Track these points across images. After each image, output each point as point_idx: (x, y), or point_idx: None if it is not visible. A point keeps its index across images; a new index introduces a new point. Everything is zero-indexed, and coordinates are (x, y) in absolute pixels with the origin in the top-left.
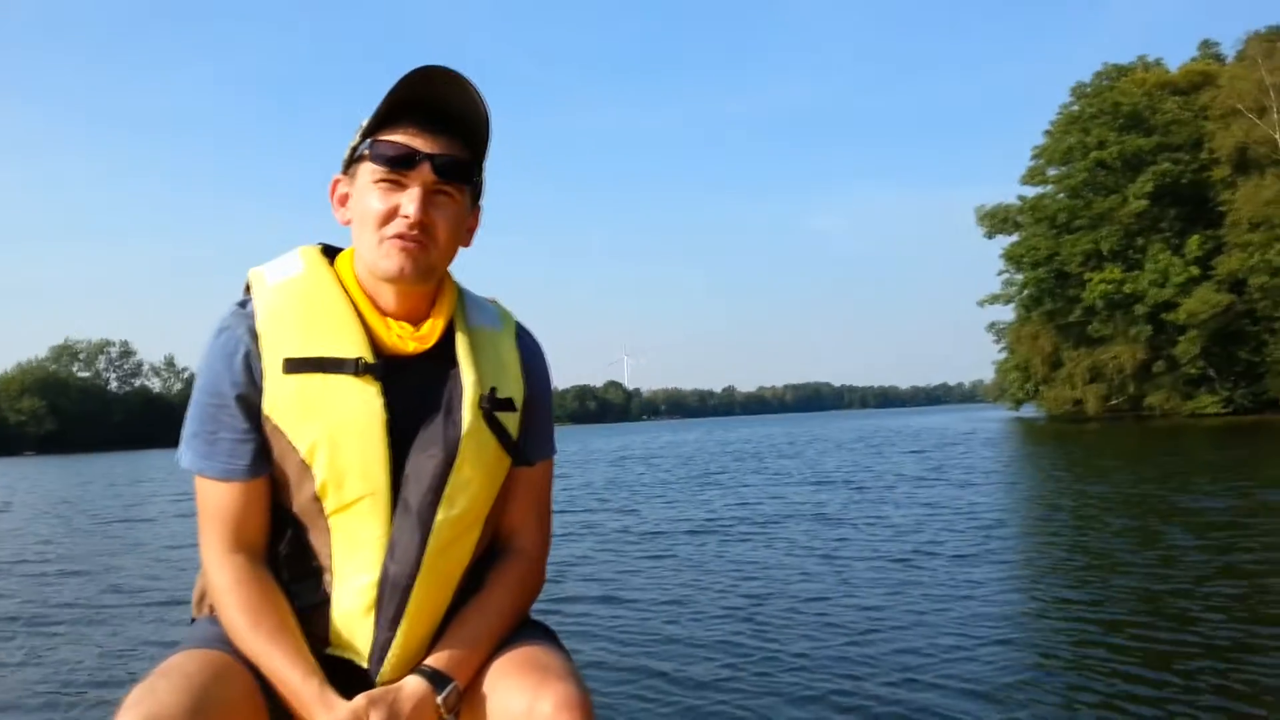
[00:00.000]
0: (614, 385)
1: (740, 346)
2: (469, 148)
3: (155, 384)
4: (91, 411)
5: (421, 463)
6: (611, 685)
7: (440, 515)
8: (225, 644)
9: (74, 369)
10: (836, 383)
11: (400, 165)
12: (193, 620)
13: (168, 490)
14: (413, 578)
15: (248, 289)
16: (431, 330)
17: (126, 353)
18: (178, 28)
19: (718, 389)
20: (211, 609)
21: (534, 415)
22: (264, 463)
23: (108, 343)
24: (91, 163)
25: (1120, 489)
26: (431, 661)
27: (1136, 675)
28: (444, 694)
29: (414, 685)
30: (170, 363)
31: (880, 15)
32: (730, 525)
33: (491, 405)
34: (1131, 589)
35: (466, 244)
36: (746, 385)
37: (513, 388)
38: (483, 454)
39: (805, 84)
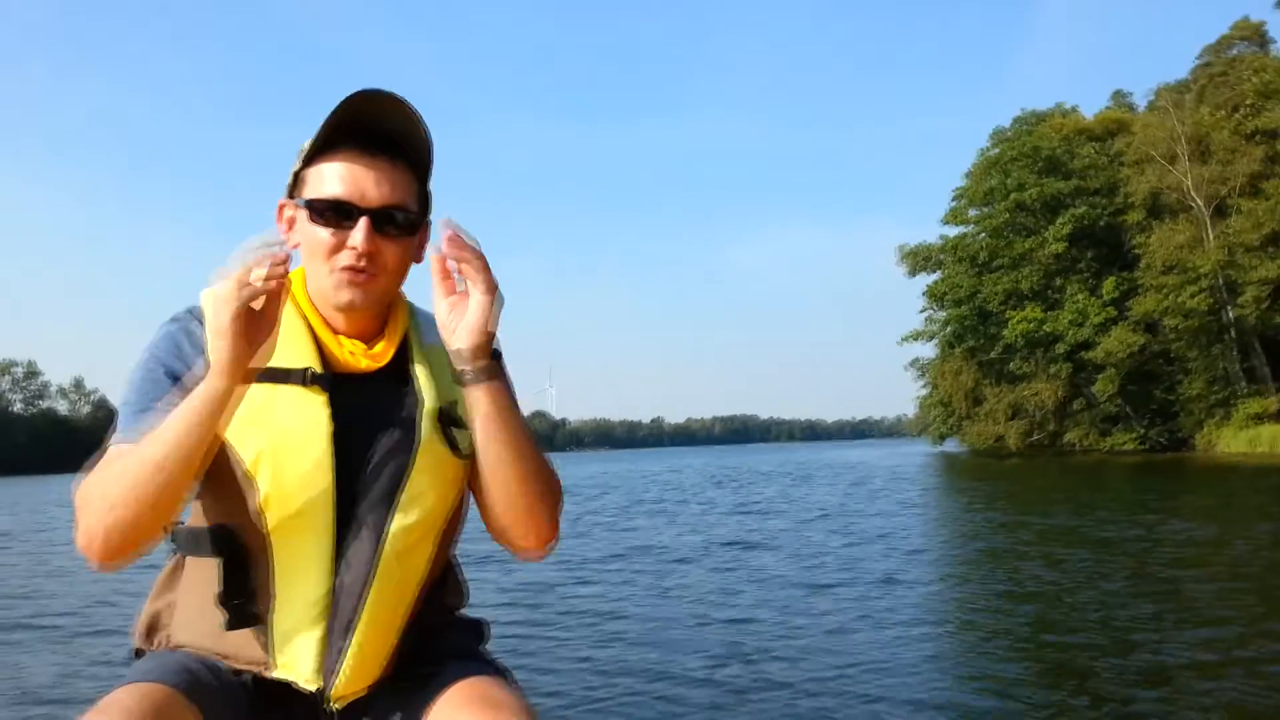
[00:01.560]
0: (539, 415)
1: (668, 378)
2: (412, 168)
3: (62, 406)
4: None
5: (373, 476)
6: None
7: (394, 524)
8: (171, 676)
9: None
10: (764, 415)
11: (338, 224)
12: (135, 653)
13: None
14: (367, 585)
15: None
16: (385, 349)
17: (32, 373)
18: (85, 33)
19: (646, 420)
20: (157, 643)
21: None
22: None
23: (11, 363)
24: None
25: (1041, 520)
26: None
27: (1049, 692)
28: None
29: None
30: (79, 384)
31: (796, 59)
32: (668, 554)
33: (445, 420)
34: (1050, 612)
35: (418, 260)
36: (675, 416)
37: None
38: (436, 466)
39: (726, 122)
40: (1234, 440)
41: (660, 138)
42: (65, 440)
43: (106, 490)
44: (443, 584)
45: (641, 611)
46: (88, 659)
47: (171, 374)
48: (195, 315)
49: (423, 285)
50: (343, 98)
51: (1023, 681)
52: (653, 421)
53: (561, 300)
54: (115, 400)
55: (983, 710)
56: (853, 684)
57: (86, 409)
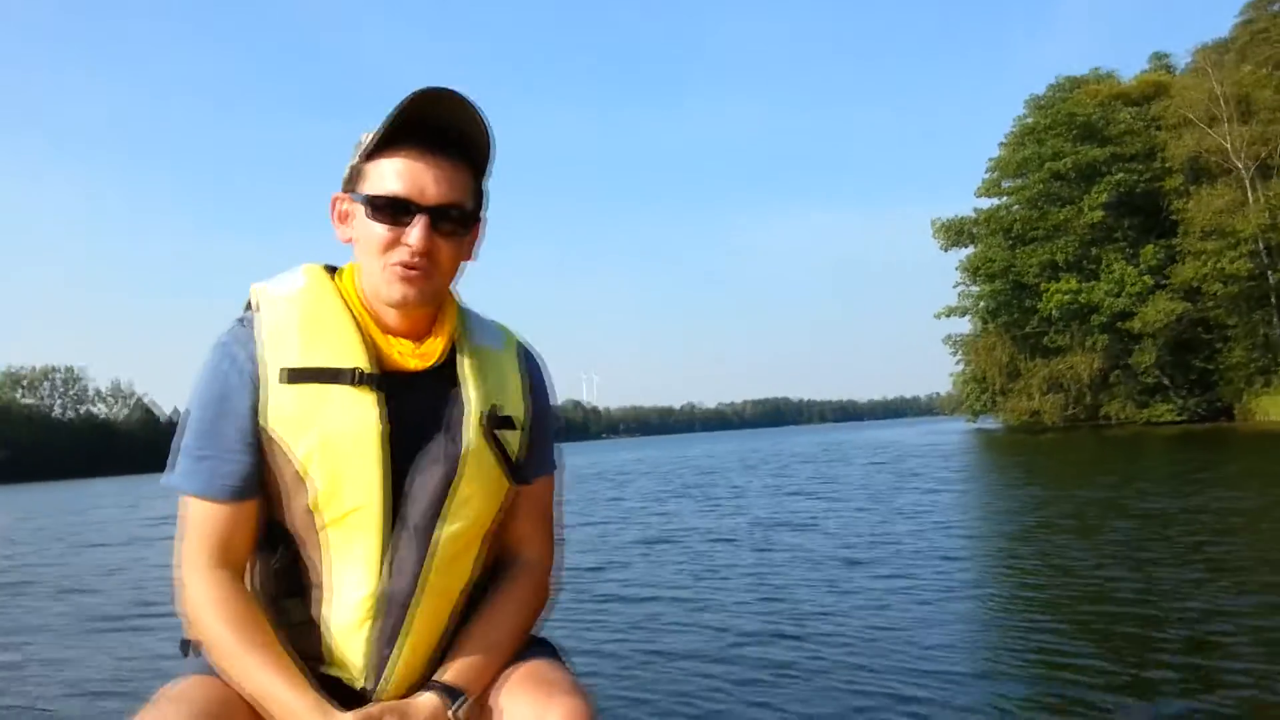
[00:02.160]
0: (575, 404)
1: (699, 363)
2: (471, 166)
3: (102, 410)
4: (38, 440)
5: (422, 479)
6: (614, 701)
7: (440, 532)
8: None
9: (17, 395)
10: (796, 397)
11: (396, 221)
12: (184, 645)
13: (136, 517)
14: (411, 594)
15: (249, 305)
16: (434, 348)
17: (72, 378)
18: (99, 32)
19: (678, 406)
20: None
21: (536, 434)
22: (252, 485)
23: (52, 369)
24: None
25: (1080, 494)
26: (442, 676)
27: (1090, 672)
28: (456, 707)
29: (427, 699)
30: (117, 388)
31: (818, 39)
32: (713, 537)
33: (493, 423)
34: (1092, 587)
35: (470, 258)
36: (708, 401)
37: (515, 406)
38: (483, 471)
39: (745, 103)
40: (1275, 408)
41: (684, 122)
42: (106, 444)
43: (210, 627)
44: (492, 577)
45: (681, 593)
46: (142, 653)
47: (216, 419)
48: (241, 331)
49: (475, 284)
50: (407, 95)
51: (1067, 655)
52: (685, 407)
53: (588, 289)
54: (163, 405)
55: (1025, 683)
56: (891, 660)
57: (125, 412)
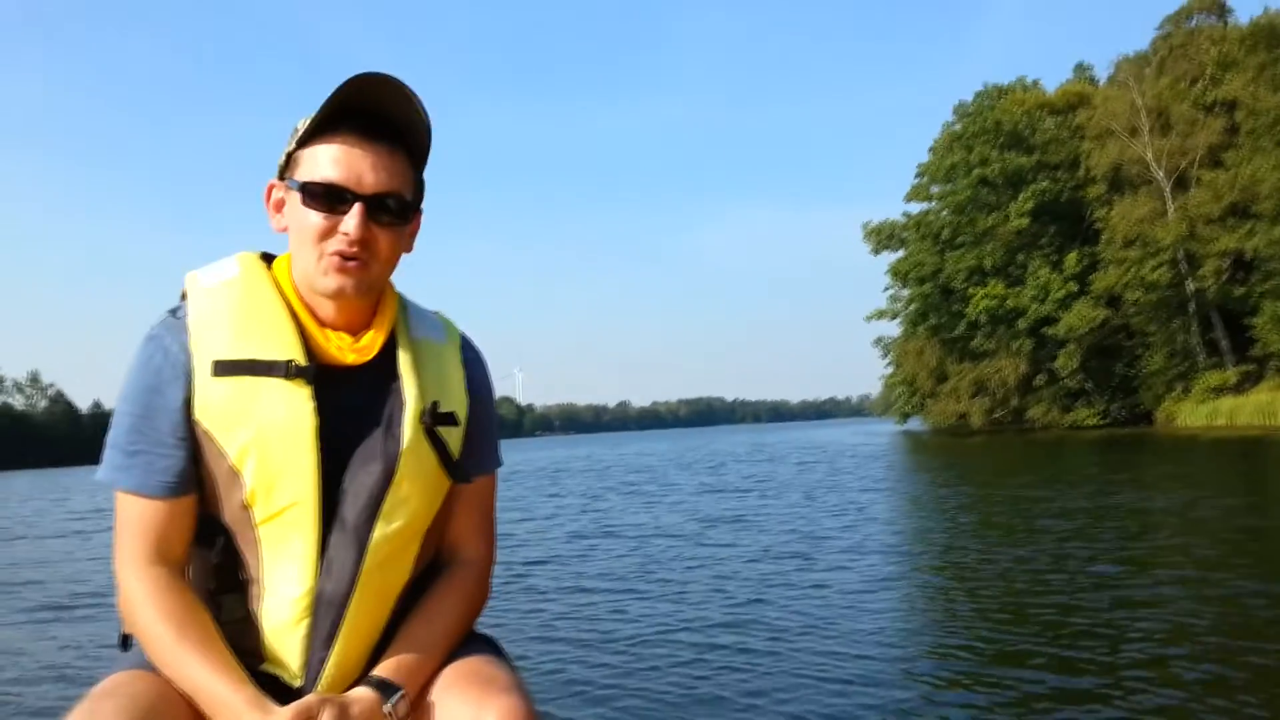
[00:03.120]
0: (506, 400)
1: (633, 362)
2: (409, 155)
3: (18, 401)
4: None
5: (359, 477)
6: (557, 697)
7: (377, 531)
8: None
9: None
10: (729, 397)
11: (332, 208)
12: (124, 639)
13: (62, 510)
14: (348, 595)
15: (184, 296)
16: (372, 342)
17: None
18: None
19: (611, 404)
20: None
21: (477, 429)
22: (188, 481)
23: None
24: None
25: (1003, 495)
26: (379, 671)
27: (1003, 670)
28: (391, 703)
29: (362, 693)
30: (35, 379)
31: (758, 43)
32: (650, 534)
33: (433, 420)
34: (1009, 585)
35: (408, 249)
36: (640, 400)
37: (456, 402)
38: (422, 470)
39: (687, 103)
40: (1194, 414)
41: (623, 122)
42: (22, 436)
43: (147, 624)
44: (430, 574)
45: (619, 589)
46: (79, 645)
47: (147, 414)
48: (173, 322)
49: (413, 275)
50: (345, 80)
51: (984, 648)
52: (618, 405)
53: (524, 286)
54: (80, 398)
55: (947, 678)
56: (820, 650)
57: (44, 403)
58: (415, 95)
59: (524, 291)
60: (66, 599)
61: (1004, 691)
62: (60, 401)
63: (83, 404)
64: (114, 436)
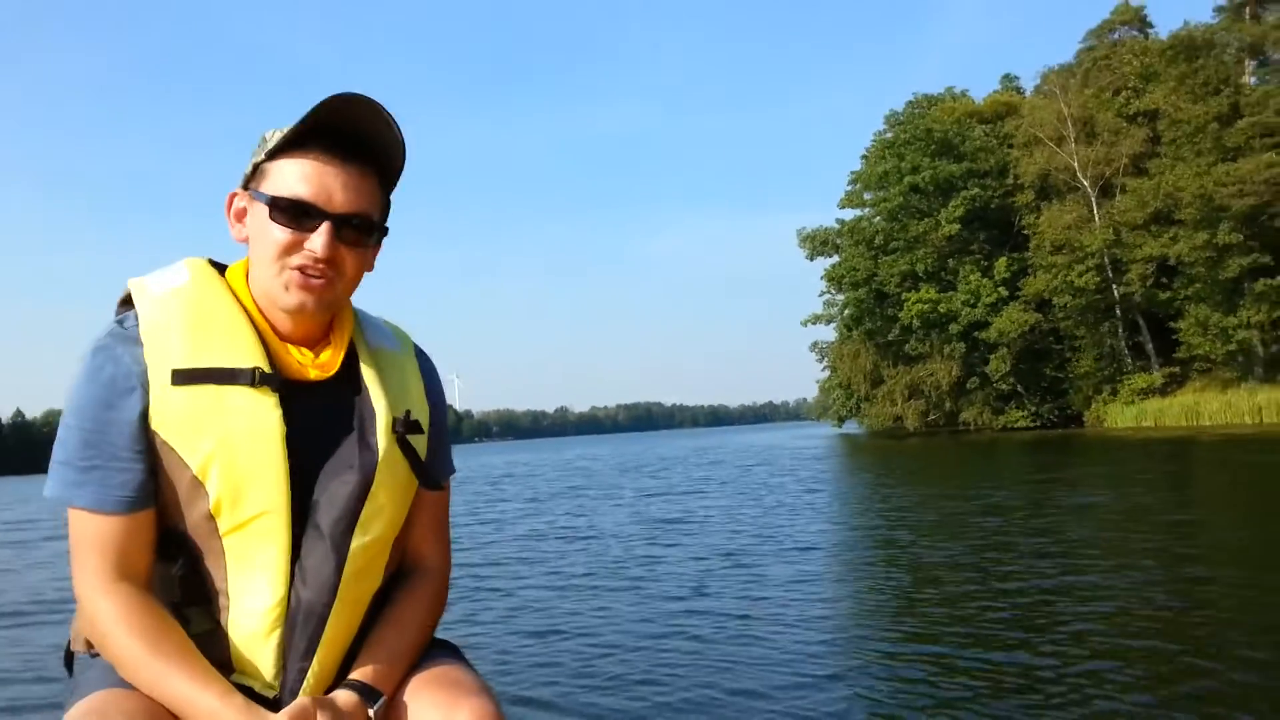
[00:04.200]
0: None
1: (573, 367)
2: (379, 176)
3: None
4: None
5: (332, 487)
6: (518, 703)
7: (356, 541)
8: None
9: None
10: (668, 402)
11: (299, 225)
12: (69, 658)
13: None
14: (329, 605)
15: (124, 302)
16: (333, 358)
17: None
18: None
19: (550, 409)
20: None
21: (436, 437)
22: (147, 494)
23: None
24: None
25: (937, 495)
26: (357, 676)
27: (937, 655)
28: (375, 707)
29: (347, 696)
30: None
31: (709, 51)
32: (595, 537)
33: (406, 429)
34: (944, 579)
35: (370, 269)
36: (580, 405)
37: (419, 410)
38: (396, 479)
39: (636, 110)
40: (1121, 415)
41: (565, 128)
42: None
43: (118, 642)
44: (393, 581)
45: (571, 591)
46: (34, 650)
47: (99, 428)
48: (121, 331)
49: (396, 276)
50: (324, 98)
51: (918, 637)
52: (557, 411)
53: (464, 291)
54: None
55: (883, 671)
56: (766, 648)
57: None
58: (393, 119)
59: (460, 297)
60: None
61: (939, 682)
62: (11, 411)
63: (3, 413)
64: (64, 453)
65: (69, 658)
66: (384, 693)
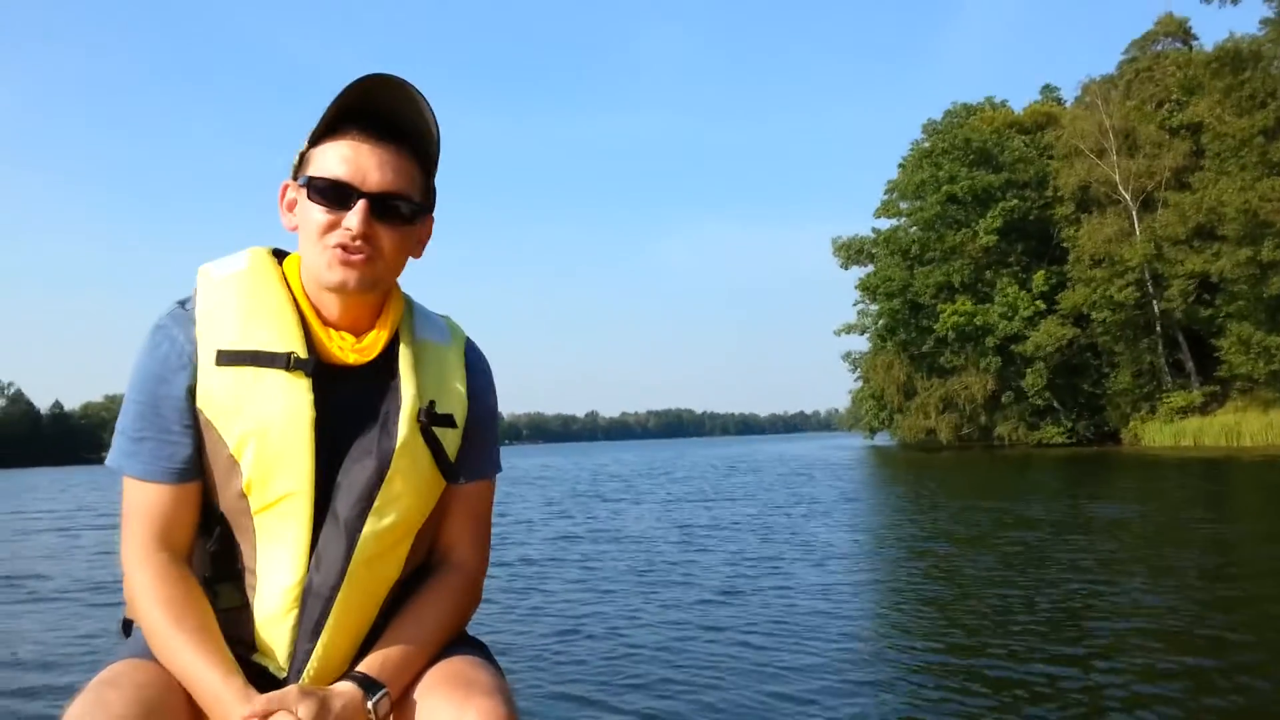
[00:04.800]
0: None
1: (603, 372)
2: (417, 157)
3: None
4: None
5: (353, 472)
6: (546, 704)
7: (368, 527)
8: None
9: None
10: (698, 409)
11: (336, 204)
12: (125, 625)
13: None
14: (336, 589)
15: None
16: (374, 342)
17: None
18: None
19: (581, 414)
20: None
21: (476, 433)
22: (192, 468)
23: None
24: None
25: (973, 510)
26: (364, 668)
27: (981, 679)
28: (375, 700)
29: (345, 688)
30: None
31: (726, 56)
32: (632, 541)
33: (430, 419)
34: (975, 596)
35: (417, 255)
36: (610, 410)
37: (455, 404)
38: (416, 468)
39: (663, 116)
40: (1159, 434)
41: (599, 132)
42: None
43: (147, 609)
44: (421, 572)
45: (608, 595)
46: (83, 631)
47: (152, 402)
48: (180, 312)
49: (425, 281)
50: (354, 79)
51: (951, 648)
52: (587, 415)
53: (496, 293)
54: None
55: (915, 679)
56: (798, 655)
57: (2, 403)
58: (423, 97)
59: (490, 300)
60: (74, 586)
61: (967, 691)
62: (20, 401)
63: (43, 405)
64: (122, 423)
65: (126, 625)
66: (388, 686)
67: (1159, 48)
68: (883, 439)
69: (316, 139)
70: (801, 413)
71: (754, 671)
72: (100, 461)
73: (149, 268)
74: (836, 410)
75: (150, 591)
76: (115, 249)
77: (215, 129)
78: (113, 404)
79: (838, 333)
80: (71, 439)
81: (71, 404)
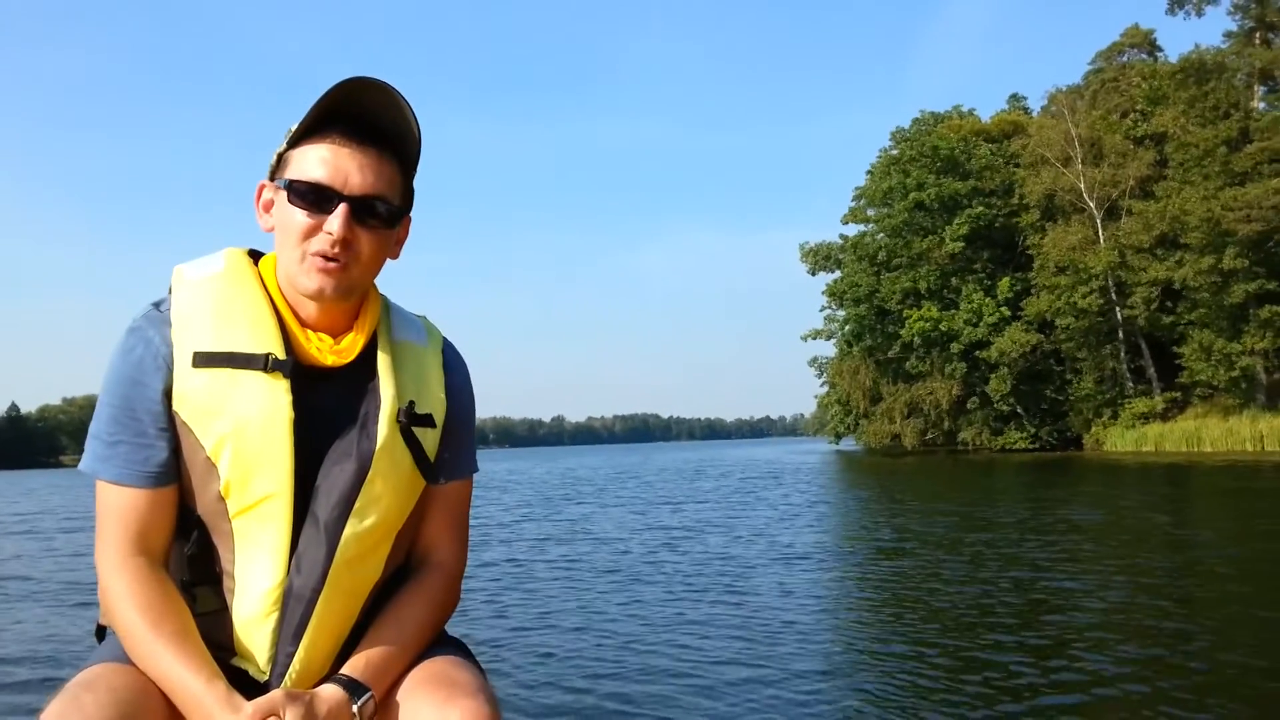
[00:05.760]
0: None
1: (569, 376)
2: (397, 160)
3: None
4: None
5: (332, 474)
6: (526, 702)
7: (349, 529)
8: None
9: None
10: (664, 414)
11: (317, 208)
12: (101, 628)
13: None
14: (317, 591)
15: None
16: (352, 343)
17: None
18: None
19: (547, 418)
20: None
21: (455, 433)
22: (169, 471)
23: None
24: None
25: (936, 514)
26: (347, 670)
27: (934, 679)
28: (360, 702)
29: (331, 691)
30: None
31: (704, 67)
32: (604, 544)
33: (409, 420)
34: (936, 596)
35: (395, 256)
36: (576, 415)
37: (434, 404)
38: (396, 469)
39: (632, 125)
40: (1121, 439)
41: (568, 140)
42: None
43: (125, 615)
44: (402, 573)
45: (586, 595)
46: (60, 635)
47: (127, 406)
48: (155, 314)
49: (400, 281)
50: (336, 82)
51: (910, 647)
52: (554, 420)
53: (462, 296)
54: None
55: (878, 679)
56: (771, 657)
57: None
58: (405, 101)
59: (456, 304)
60: (52, 587)
61: (931, 689)
62: (6, 405)
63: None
64: (96, 427)
65: (100, 630)
66: (372, 688)
67: (1125, 59)
68: (848, 444)
69: (296, 140)
70: (767, 418)
71: (733, 670)
72: (58, 465)
73: (108, 269)
74: (802, 415)
75: (128, 597)
76: (70, 250)
77: (171, 129)
78: (71, 407)
79: (805, 338)
80: (28, 443)
81: (28, 407)
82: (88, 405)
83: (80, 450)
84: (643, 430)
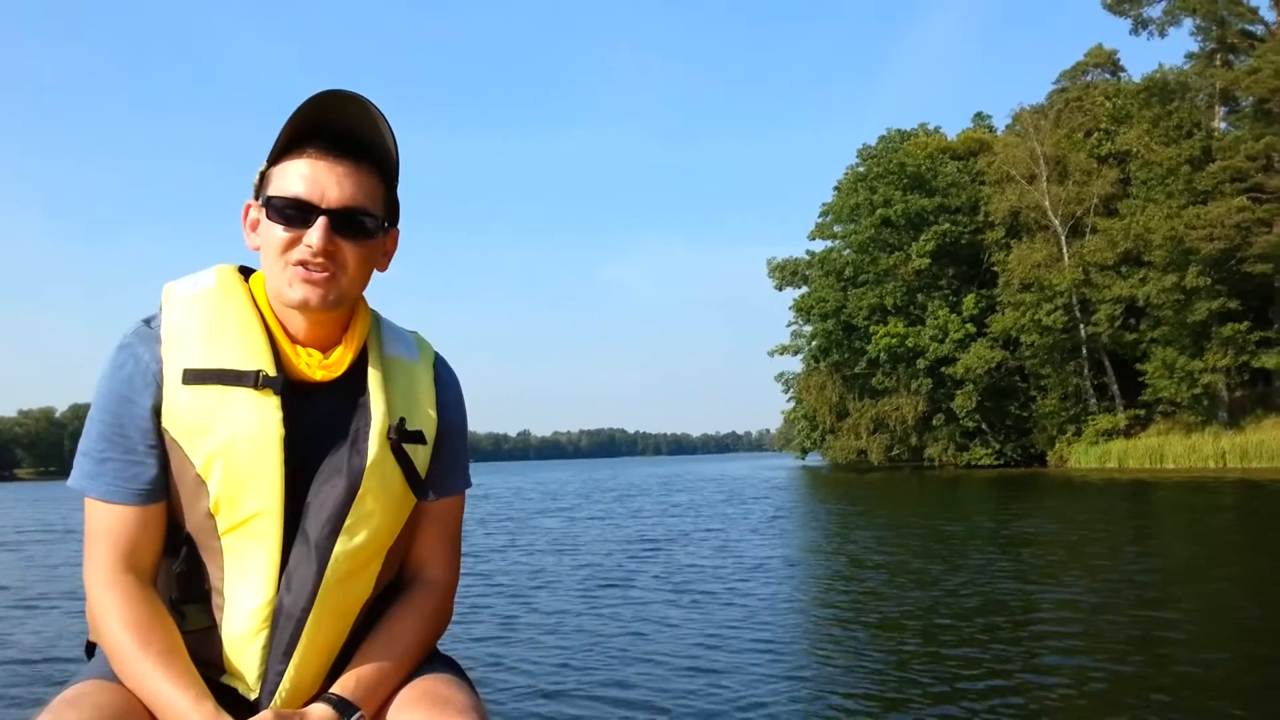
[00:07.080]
0: None
1: (535, 390)
2: (377, 171)
3: None
4: None
5: (323, 492)
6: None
7: (339, 546)
8: None
9: None
10: (631, 429)
11: (298, 222)
12: (89, 647)
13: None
14: (307, 609)
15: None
16: (341, 359)
17: None
18: None
19: (512, 433)
20: None
21: (446, 449)
22: (158, 488)
23: None
24: None
25: (899, 525)
26: (337, 689)
27: (897, 687)
28: None
29: (320, 710)
30: None
31: (673, 82)
32: (574, 560)
33: (400, 436)
34: (914, 607)
35: (382, 268)
36: (542, 429)
37: (424, 420)
38: (387, 486)
39: (601, 137)
40: (1084, 456)
41: (534, 151)
42: None
43: (112, 633)
44: (393, 590)
45: (572, 612)
46: (46, 653)
47: (116, 422)
48: (145, 330)
49: (391, 297)
50: (309, 97)
51: (872, 654)
52: (519, 435)
53: (426, 309)
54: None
55: (839, 685)
56: (748, 666)
57: None
58: (379, 112)
59: (422, 316)
60: (39, 605)
61: (895, 699)
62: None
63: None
64: (85, 444)
65: (89, 647)
66: (362, 708)
67: (1089, 78)
68: (814, 459)
69: (275, 158)
70: (734, 433)
71: (727, 678)
72: (12, 479)
73: (64, 281)
74: (769, 431)
75: (116, 615)
76: (24, 260)
77: (124, 135)
78: (26, 419)
79: (772, 354)
80: None
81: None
82: (43, 417)
83: (37, 463)
84: (609, 445)
